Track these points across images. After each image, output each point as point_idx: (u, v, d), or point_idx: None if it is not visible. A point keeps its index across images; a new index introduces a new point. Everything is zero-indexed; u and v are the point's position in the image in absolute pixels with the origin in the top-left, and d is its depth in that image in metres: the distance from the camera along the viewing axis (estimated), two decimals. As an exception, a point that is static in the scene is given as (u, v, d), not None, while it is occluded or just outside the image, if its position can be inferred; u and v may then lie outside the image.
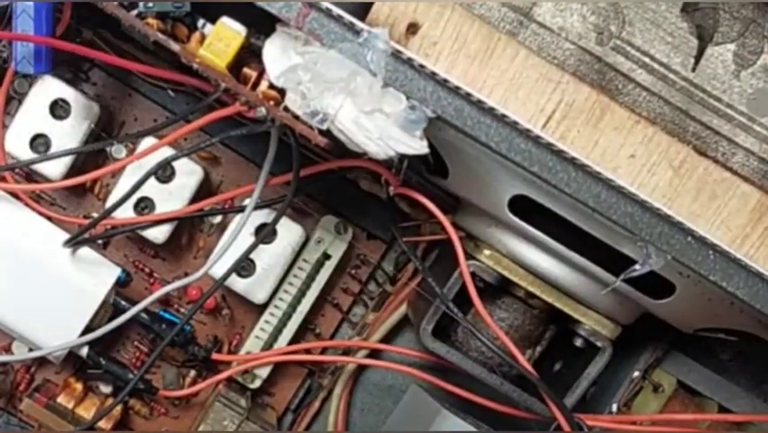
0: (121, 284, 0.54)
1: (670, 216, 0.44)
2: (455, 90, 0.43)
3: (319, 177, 0.52)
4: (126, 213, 0.54)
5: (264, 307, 0.57)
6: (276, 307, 0.57)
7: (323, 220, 0.57)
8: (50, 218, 0.53)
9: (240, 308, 0.59)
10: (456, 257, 0.48)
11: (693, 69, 0.53)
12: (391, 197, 0.52)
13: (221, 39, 0.46)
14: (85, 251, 0.53)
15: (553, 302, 0.50)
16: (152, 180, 0.53)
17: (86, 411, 0.55)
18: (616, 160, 0.58)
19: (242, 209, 0.52)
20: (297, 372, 0.60)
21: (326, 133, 0.44)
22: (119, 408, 0.56)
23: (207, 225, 0.58)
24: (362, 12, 0.48)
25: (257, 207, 0.52)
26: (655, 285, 0.47)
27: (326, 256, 0.57)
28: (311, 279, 0.57)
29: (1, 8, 0.50)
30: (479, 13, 0.50)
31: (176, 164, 0.54)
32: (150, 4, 0.46)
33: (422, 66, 0.42)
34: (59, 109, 0.54)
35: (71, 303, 0.52)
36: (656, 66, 0.52)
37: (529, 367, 0.50)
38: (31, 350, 0.53)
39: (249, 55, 0.47)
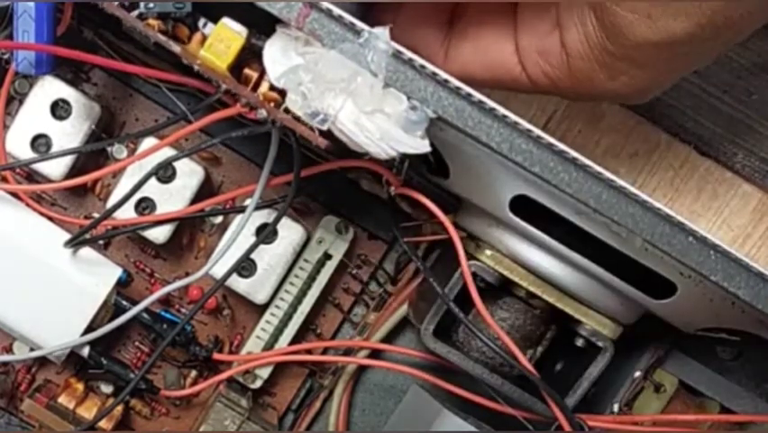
0: (122, 284, 0.54)
1: (671, 216, 0.44)
2: (456, 90, 0.42)
3: (320, 177, 0.52)
4: (127, 213, 0.54)
5: (265, 307, 0.57)
6: (277, 307, 0.57)
7: (324, 220, 0.57)
8: (51, 219, 0.53)
9: (241, 309, 0.59)
10: (457, 257, 0.48)
11: (694, 69, 0.52)
12: (392, 197, 0.52)
13: (222, 40, 0.46)
14: (86, 251, 0.53)
15: (554, 302, 0.50)
16: (153, 181, 0.53)
17: (87, 411, 0.55)
18: (617, 160, 0.58)
19: (243, 209, 0.52)
20: (298, 372, 0.60)
21: (327, 134, 0.44)
22: (120, 408, 0.56)
23: (208, 226, 0.58)
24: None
25: (258, 208, 0.52)
26: (657, 285, 0.47)
27: (327, 256, 0.57)
28: (312, 279, 0.57)
29: (2, 9, 0.50)
30: (480, 14, 0.50)
31: (177, 164, 0.54)
32: (152, 5, 0.45)
33: (423, 66, 0.42)
34: (59, 109, 0.54)
35: (72, 303, 0.52)
36: (657, 66, 0.52)
37: (530, 367, 0.50)
38: (32, 350, 0.53)
39: (250, 56, 0.47)
